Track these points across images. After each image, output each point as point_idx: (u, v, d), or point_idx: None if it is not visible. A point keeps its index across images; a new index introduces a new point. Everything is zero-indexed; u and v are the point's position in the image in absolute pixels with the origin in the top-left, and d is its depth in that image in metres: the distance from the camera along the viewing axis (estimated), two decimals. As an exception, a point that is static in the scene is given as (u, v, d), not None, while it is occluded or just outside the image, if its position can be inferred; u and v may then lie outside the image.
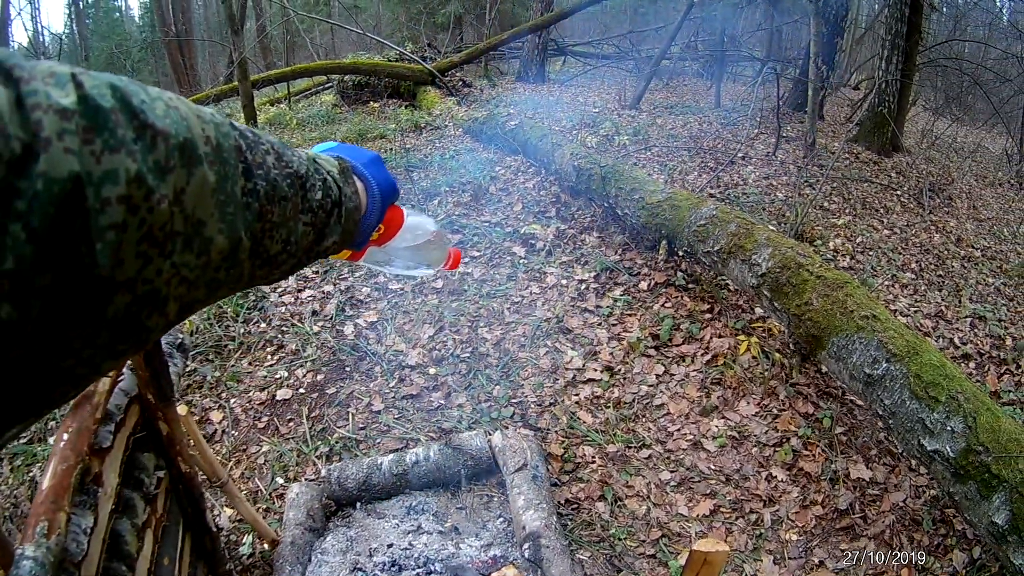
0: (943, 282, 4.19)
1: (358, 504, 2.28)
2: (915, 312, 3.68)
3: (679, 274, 3.61)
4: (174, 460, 1.82)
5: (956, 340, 3.61)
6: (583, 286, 3.60)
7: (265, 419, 2.83)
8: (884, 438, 2.68)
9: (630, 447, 2.61)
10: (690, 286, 3.56)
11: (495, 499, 2.24)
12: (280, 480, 2.57)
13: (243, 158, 0.41)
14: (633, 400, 2.87)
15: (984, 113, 10.74)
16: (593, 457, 2.51)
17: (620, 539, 2.19)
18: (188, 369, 3.13)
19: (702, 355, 3.09)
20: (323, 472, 2.37)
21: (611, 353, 3.11)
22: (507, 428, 2.44)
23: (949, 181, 6.21)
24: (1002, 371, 3.44)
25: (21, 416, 0.31)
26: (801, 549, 2.25)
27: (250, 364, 3.12)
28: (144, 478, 1.72)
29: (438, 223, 0.81)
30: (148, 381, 1.63)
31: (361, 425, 2.68)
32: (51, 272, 0.28)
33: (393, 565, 2.03)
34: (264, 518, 2.42)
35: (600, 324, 3.33)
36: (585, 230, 4.14)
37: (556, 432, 2.66)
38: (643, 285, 3.60)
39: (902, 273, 4.11)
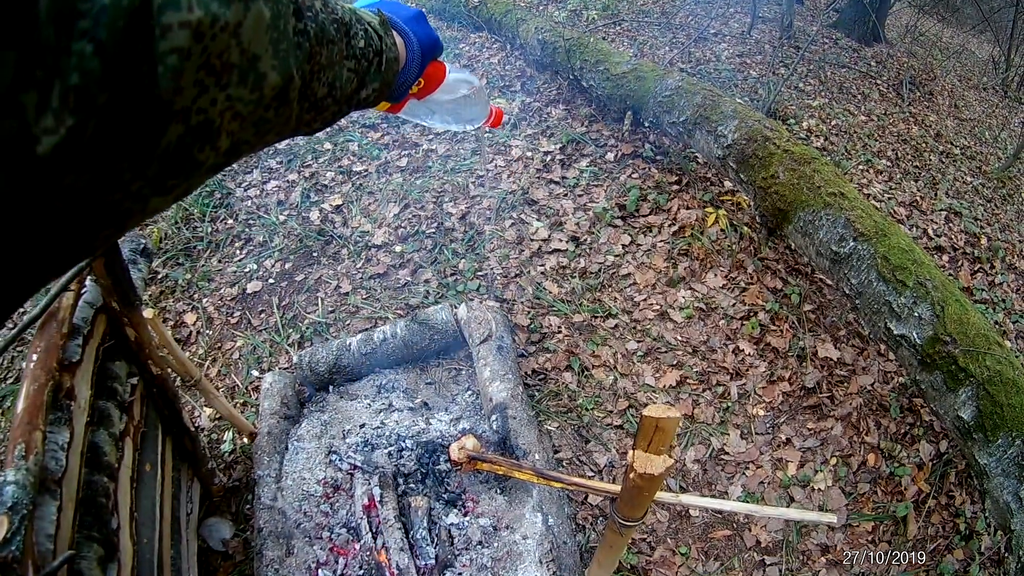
0: (919, 173, 4.16)
1: (331, 387, 2.29)
2: (889, 199, 3.67)
3: (647, 146, 3.55)
4: (145, 365, 1.81)
5: (930, 231, 3.62)
6: (548, 158, 3.54)
7: (237, 314, 2.81)
8: (853, 320, 2.71)
9: (596, 317, 2.63)
10: (658, 158, 3.51)
11: (463, 372, 2.26)
12: (255, 373, 2.58)
13: None
14: (599, 270, 2.87)
15: (972, 19, 10.43)
16: (559, 327, 2.53)
17: (587, 409, 2.23)
18: (160, 275, 3.08)
19: (669, 226, 3.07)
20: (295, 359, 2.37)
21: (577, 224, 3.09)
22: (472, 300, 2.42)
23: (931, 77, 6.08)
24: (976, 268, 3.46)
25: (63, 261, 0.31)
26: (768, 425, 2.31)
27: (219, 262, 3.07)
28: (117, 387, 1.72)
29: (480, 80, 0.80)
30: (112, 289, 1.59)
31: (330, 308, 2.68)
32: (112, 90, 0.28)
33: (366, 445, 2.06)
34: (243, 412, 2.45)
35: (566, 195, 3.29)
36: (551, 103, 4.03)
37: (522, 303, 2.67)
38: (610, 156, 3.54)
39: (877, 160, 4.07)
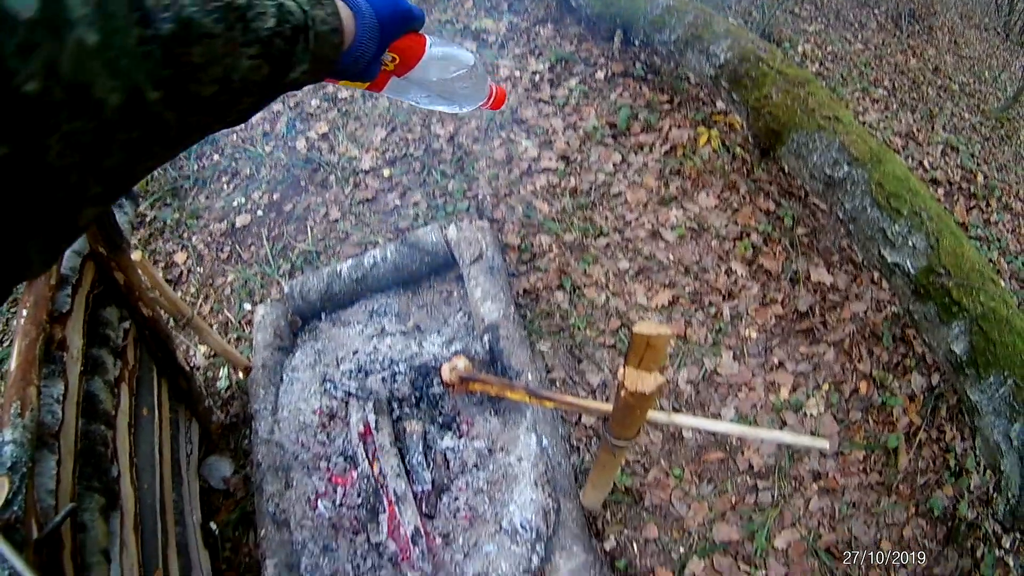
0: (916, 105, 4.09)
1: (323, 315, 2.27)
2: (885, 128, 3.62)
3: (637, 65, 3.46)
4: (136, 308, 1.78)
5: (926, 163, 3.57)
6: (537, 77, 3.45)
7: (227, 249, 2.77)
8: (847, 245, 2.69)
9: (587, 236, 2.61)
10: (649, 77, 3.43)
11: (455, 294, 2.25)
12: (247, 306, 2.56)
13: (138, 5, 0.38)
14: (590, 189, 2.83)
15: (976, -45, 10.12)
16: (550, 246, 2.51)
17: (580, 329, 2.22)
18: (148, 218, 3.03)
19: (661, 145, 3.02)
20: (286, 290, 2.35)
21: (567, 142, 3.03)
22: (462, 221, 2.39)
23: (931, 12, 5.93)
24: (971, 205, 3.42)
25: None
26: (761, 348, 2.31)
27: (207, 199, 3.02)
28: (109, 333, 1.71)
29: (475, 56, 0.74)
30: (97, 234, 1.56)
31: (320, 236, 2.64)
32: None
33: (360, 371, 2.05)
34: (236, 347, 2.43)
35: (555, 114, 3.22)
36: (539, 23, 3.90)
37: (512, 223, 2.65)
38: (600, 75, 3.46)
39: (873, 88, 3.99)
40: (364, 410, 1.98)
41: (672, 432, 2.09)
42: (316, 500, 1.99)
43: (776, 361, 2.26)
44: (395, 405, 1.98)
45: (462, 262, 2.20)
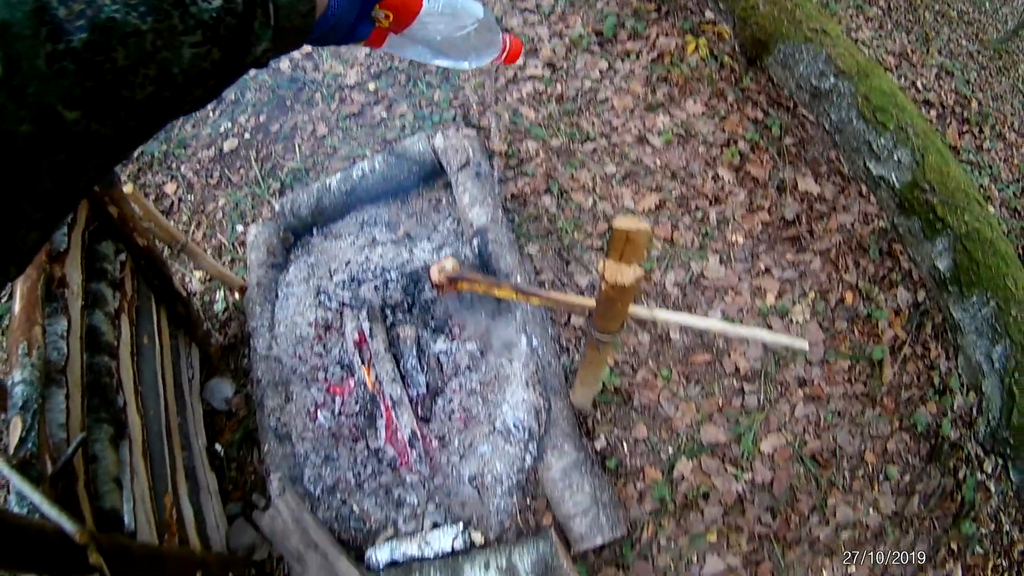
0: (911, 27, 4.02)
1: (314, 230, 2.29)
2: (878, 46, 3.57)
3: None
4: (131, 239, 1.81)
5: (919, 84, 3.54)
6: None
7: (216, 174, 2.77)
8: (834, 158, 2.69)
9: (574, 141, 2.61)
10: None
11: (443, 201, 2.27)
12: (240, 228, 2.58)
13: (48, 18, 0.35)
14: (576, 95, 2.82)
15: None
16: (537, 152, 2.52)
17: (567, 232, 2.25)
18: (135, 153, 3.00)
19: (648, 52, 2.99)
20: (277, 208, 2.36)
21: (553, 50, 3.00)
22: (449, 129, 2.39)
23: (929, -61, 5.78)
24: (964, 130, 3.39)
25: None
26: (747, 253, 2.34)
27: (193, 127, 2.99)
28: (107, 266, 1.73)
29: (486, 9, 0.68)
30: None
31: (308, 153, 2.65)
32: None
33: (352, 281, 2.08)
34: (231, 269, 2.45)
35: (541, 23, 3.16)
36: None
37: (499, 130, 2.64)
38: None
39: (868, 7, 3.92)
40: (358, 319, 2.02)
41: (660, 334, 2.14)
42: (316, 411, 2.04)
43: (762, 267, 2.29)
44: (388, 312, 2.01)
45: (449, 169, 2.21)
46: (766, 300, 2.27)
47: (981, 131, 3.42)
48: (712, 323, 1.60)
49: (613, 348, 2.11)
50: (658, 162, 2.49)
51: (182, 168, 2.88)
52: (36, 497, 1.05)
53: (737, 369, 2.16)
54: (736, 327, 1.64)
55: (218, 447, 2.27)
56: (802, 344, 1.66)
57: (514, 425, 1.86)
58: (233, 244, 2.51)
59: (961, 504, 2.35)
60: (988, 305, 2.04)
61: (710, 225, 2.34)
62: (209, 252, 2.54)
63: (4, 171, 0.34)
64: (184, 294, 2.12)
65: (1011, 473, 2.05)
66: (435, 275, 1.68)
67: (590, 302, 1.47)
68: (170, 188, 2.85)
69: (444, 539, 1.88)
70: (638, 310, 1.49)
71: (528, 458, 1.87)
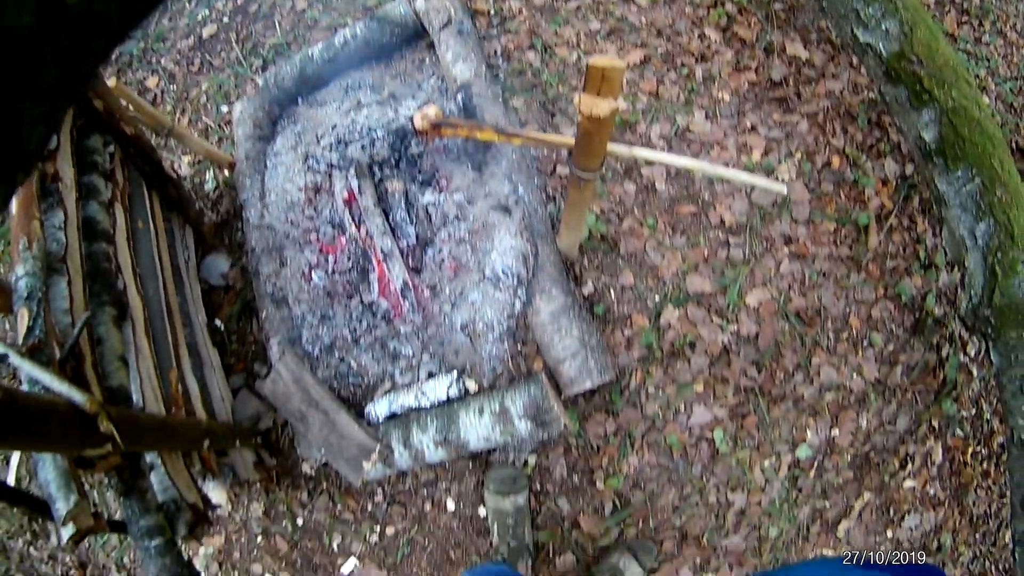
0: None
1: (299, 100, 2.28)
2: (872, -78, 3.47)
3: None
4: (118, 129, 1.81)
5: (915, -31, 3.45)
6: None
7: (197, 61, 2.74)
8: (824, 27, 2.66)
9: None
10: None
11: (427, 61, 2.26)
12: (224, 108, 2.57)
13: None
14: None
15: None
16: (520, 10, 2.47)
17: (552, 85, 2.25)
18: (114, 55, 2.96)
19: None
20: (260, 82, 2.34)
21: None
22: None
23: None
24: (963, 20, 3.31)
25: None
26: (733, 110, 2.33)
27: (170, 20, 2.94)
28: (97, 159, 1.75)
29: None
30: None
31: (289, 28, 2.61)
32: None
33: (340, 143, 2.09)
34: (220, 148, 2.45)
35: None
36: None
37: None
38: None
39: None
40: (347, 178, 2.03)
41: (645, 184, 2.16)
42: (310, 272, 2.08)
43: (749, 124, 2.29)
44: (376, 169, 2.03)
45: (431, 29, 2.19)
46: (752, 156, 2.28)
47: (981, 24, 3.34)
48: (691, 161, 1.61)
49: (596, 190, 2.14)
50: (643, 20, 2.45)
51: (162, 61, 2.84)
52: (46, 377, 1.09)
53: (723, 221, 2.19)
54: (715, 167, 1.65)
55: (218, 322, 2.32)
56: (780, 188, 1.68)
57: (503, 272, 1.89)
58: (219, 124, 2.51)
59: (943, 383, 2.41)
60: (973, 182, 2.04)
61: (696, 82, 2.33)
62: (196, 136, 2.54)
63: (7, 69, 0.33)
64: (175, 176, 2.14)
65: (992, 355, 2.09)
66: (418, 122, 1.68)
67: (569, 140, 1.48)
68: (152, 82, 2.82)
69: (439, 388, 1.94)
70: (618, 148, 1.50)
71: (518, 304, 1.91)
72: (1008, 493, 2.48)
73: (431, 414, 1.91)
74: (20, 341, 1.22)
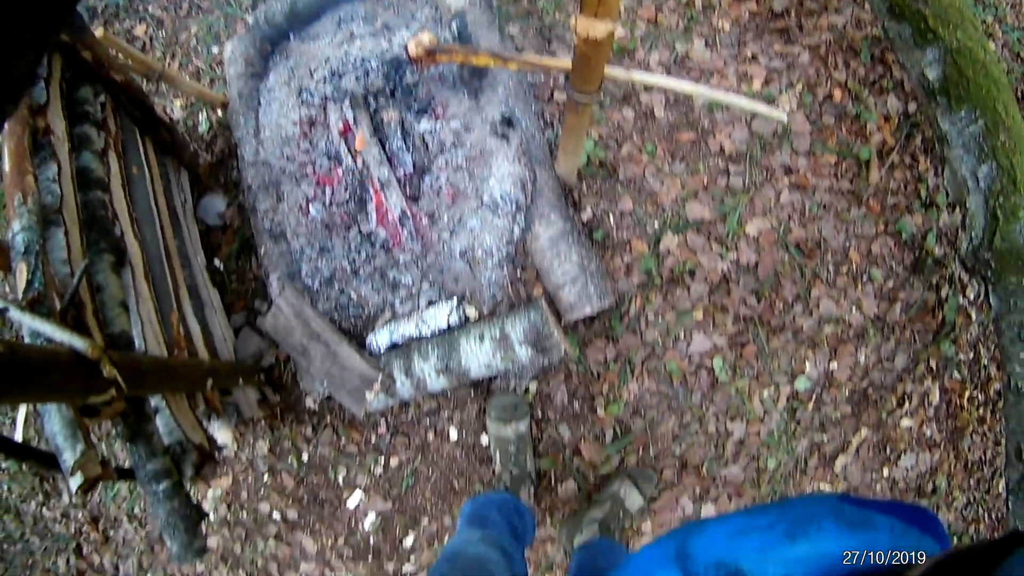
0: None
1: (291, 35, 2.25)
2: None
3: None
4: (108, 77, 1.79)
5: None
6: None
7: (185, 5, 2.69)
8: (824, -41, 2.61)
9: None
10: None
11: None
12: (215, 50, 2.54)
13: None
14: None
15: None
16: None
17: (548, 12, 2.22)
18: (99, 7, 2.91)
19: None
20: (250, 21, 2.31)
21: None
22: None
23: None
24: None
25: None
26: (734, 40, 2.30)
27: (157, -35, 2.90)
28: (88, 109, 1.72)
29: None
30: None
31: None
32: None
33: (334, 76, 2.07)
34: (211, 90, 2.43)
35: None
36: None
37: None
38: None
39: None
40: (341, 109, 2.01)
41: (644, 111, 2.14)
42: (307, 205, 2.07)
43: (749, 54, 2.26)
44: (371, 99, 2.01)
45: (424, -45, 2.15)
46: (752, 86, 2.26)
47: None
48: (690, 85, 1.60)
49: (593, 115, 2.12)
50: (642, -53, 2.41)
51: (149, 8, 2.80)
52: (47, 327, 1.08)
53: (722, 149, 2.17)
54: (714, 91, 1.63)
55: (217, 262, 2.32)
56: (780, 115, 1.67)
57: (501, 198, 1.88)
58: (210, 66, 2.48)
59: (942, 323, 2.41)
60: (976, 123, 2.03)
61: (695, 10, 2.29)
62: (187, 79, 2.51)
63: None
64: (167, 120, 2.13)
65: (991, 299, 2.09)
66: (412, 49, 1.67)
67: (566, 63, 1.46)
68: (140, 30, 2.79)
69: (440, 316, 1.94)
70: (615, 71, 1.49)
71: (516, 229, 1.91)
72: (1003, 441, 2.51)
73: (432, 342, 1.92)
74: (20, 295, 1.22)
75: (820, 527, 0.25)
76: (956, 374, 2.51)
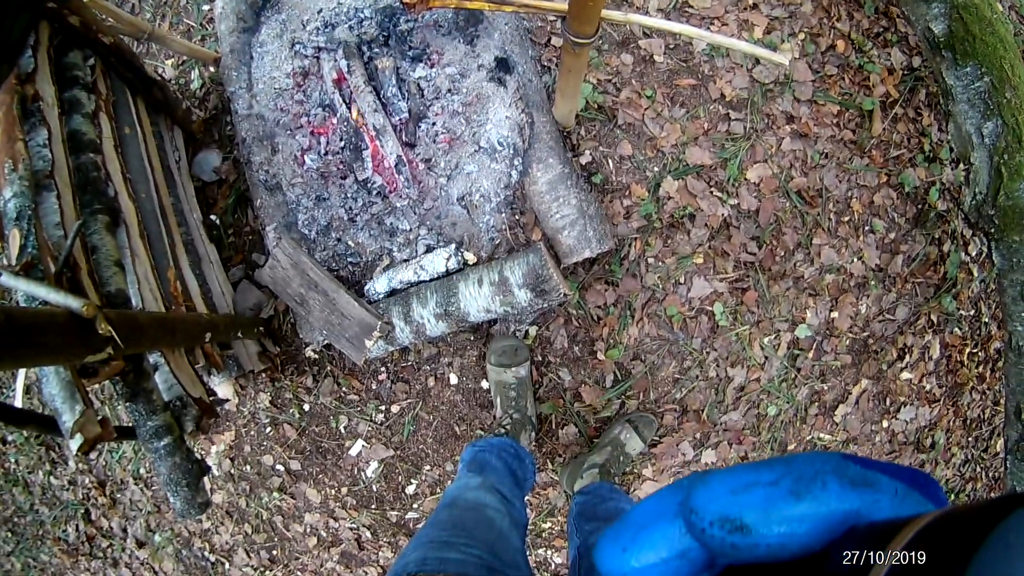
0: None
1: (284, -15, 2.22)
2: None
3: None
4: (96, 40, 1.77)
5: None
6: None
7: (177, -38, 2.66)
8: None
9: None
10: None
11: None
12: (206, 7, 2.50)
13: None
14: None
15: None
16: None
17: None
18: None
19: None
20: (245, -30, 2.28)
21: None
22: None
23: None
24: None
25: None
26: (733, -13, 2.27)
27: (150, -75, 2.85)
28: (77, 73, 1.70)
29: None
30: None
31: None
32: None
33: (326, 26, 2.04)
34: (203, 47, 2.40)
35: None
36: None
37: None
38: None
39: None
40: (335, 59, 1.99)
41: (643, 56, 2.11)
42: (303, 156, 2.06)
43: (750, 2, 2.23)
44: (365, 48, 1.98)
45: None
46: (753, 34, 2.22)
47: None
48: (688, 28, 1.56)
49: (590, 59, 2.09)
50: None
51: (139, -29, 2.77)
52: (41, 290, 1.08)
53: (723, 95, 2.15)
54: (713, 34, 1.61)
55: (214, 217, 2.32)
56: (782, 59, 1.63)
57: (498, 142, 1.87)
58: (201, 23, 2.45)
59: (943, 278, 2.40)
60: (982, 79, 2.01)
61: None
62: (178, 38, 2.49)
63: None
64: (159, 79, 2.11)
65: (994, 256, 2.08)
66: (407, -11, 1.64)
67: (563, 5, 1.44)
68: (130, -11, 2.76)
69: (438, 261, 1.94)
70: (613, 13, 1.46)
71: (514, 174, 1.90)
72: (1003, 400, 2.51)
73: (430, 288, 1.92)
74: (14, 261, 1.22)
75: (824, 485, 0.25)
76: (957, 329, 2.51)
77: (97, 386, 2.20)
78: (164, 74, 2.52)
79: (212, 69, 2.37)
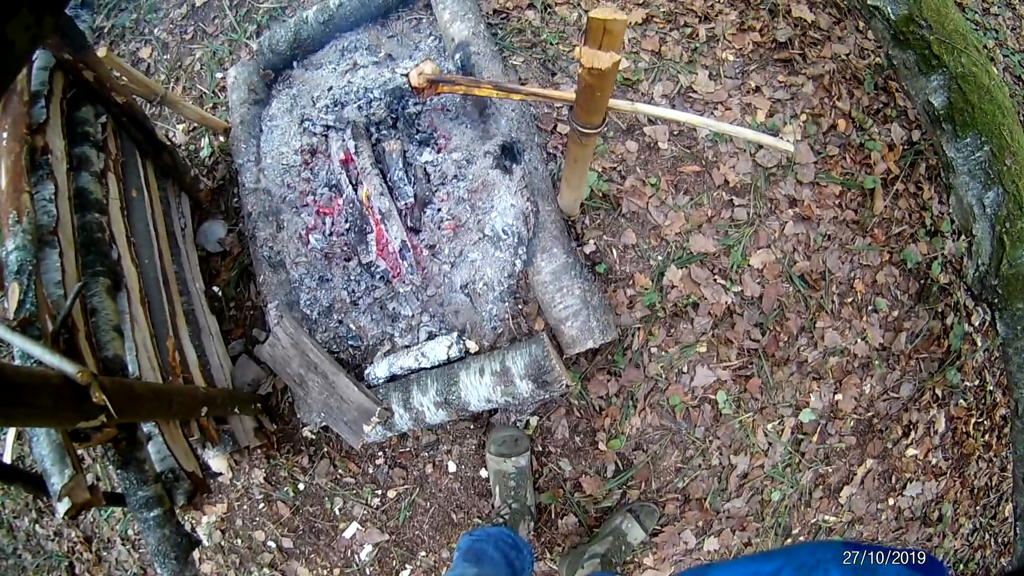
0: None
1: (294, 63, 2.25)
2: None
3: None
4: (109, 98, 1.79)
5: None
6: None
7: (191, 30, 2.70)
8: (829, -11, 2.61)
9: None
10: None
11: (423, 20, 2.22)
12: (219, 75, 2.54)
13: None
14: None
15: None
16: None
17: (552, 44, 2.21)
18: (106, 28, 2.93)
19: None
20: (255, 47, 2.31)
21: None
22: None
23: None
24: None
25: None
26: (738, 71, 2.29)
27: (163, -11, 2.90)
28: (89, 130, 1.72)
29: None
30: (60, 44, 1.56)
31: None
32: None
33: (336, 105, 2.06)
34: (214, 115, 2.43)
35: None
36: None
37: None
38: None
39: None
40: (343, 139, 2.00)
41: (648, 143, 2.12)
42: (307, 235, 2.06)
43: (753, 85, 2.25)
44: (373, 129, 1.99)
45: (428, -12, 2.15)
46: (756, 117, 2.24)
47: (991, -1, 3.29)
48: (694, 117, 1.58)
49: (596, 148, 2.10)
50: (645, -14, 2.41)
51: (155, 31, 2.81)
52: (36, 349, 1.07)
53: (726, 181, 2.16)
54: (719, 123, 1.61)
55: (216, 289, 2.31)
56: (787, 146, 1.64)
57: (503, 230, 1.87)
58: (214, 91, 2.48)
59: (947, 351, 2.39)
60: (982, 149, 2.02)
61: (699, 41, 2.29)
62: (190, 102, 2.51)
63: None
64: (169, 144, 2.12)
65: (998, 326, 2.07)
66: (414, 78, 1.65)
67: (570, 95, 1.45)
68: (145, 53, 2.79)
69: (439, 349, 1.92)
70: (620, 103, 1.47)
71: (518, 263, 1.89)
72: (1010, 466, 2.47)
73: (431, 375, 1.89)
74: (11, 315, 1.20)
75: (826, 574, 0.23)
76: (962, 401, 2.48)
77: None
78: (175, 139, 2.54)
79: (222, 139, 2.39)
